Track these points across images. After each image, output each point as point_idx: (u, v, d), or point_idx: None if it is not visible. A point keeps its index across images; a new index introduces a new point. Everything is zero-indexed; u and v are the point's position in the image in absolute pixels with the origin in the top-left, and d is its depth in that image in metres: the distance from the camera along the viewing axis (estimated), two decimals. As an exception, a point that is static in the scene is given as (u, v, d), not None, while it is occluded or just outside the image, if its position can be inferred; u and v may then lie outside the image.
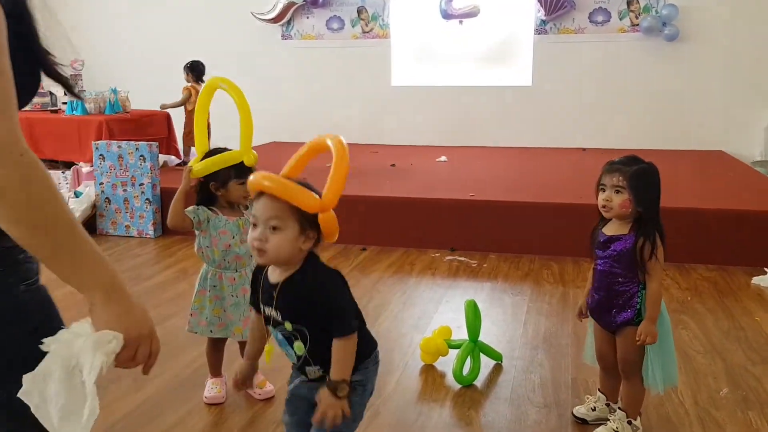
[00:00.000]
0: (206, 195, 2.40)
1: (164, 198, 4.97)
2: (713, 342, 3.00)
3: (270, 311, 1.49)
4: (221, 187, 2.37)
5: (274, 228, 1.40)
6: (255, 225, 1.43)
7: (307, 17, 7.76)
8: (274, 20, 7.74)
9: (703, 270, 4.05)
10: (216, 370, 2.55)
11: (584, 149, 7.03)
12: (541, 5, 7.06)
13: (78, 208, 4.98)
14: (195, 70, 6.17)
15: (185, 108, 6.15)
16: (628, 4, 6.97)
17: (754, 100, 6.85)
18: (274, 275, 1.48)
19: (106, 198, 5.04)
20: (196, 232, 2.40)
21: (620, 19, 7.01)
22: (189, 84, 6.17)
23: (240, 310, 2.40)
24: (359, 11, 7.64)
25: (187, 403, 2.48)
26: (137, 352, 0.96)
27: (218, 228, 2.37)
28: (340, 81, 7.77)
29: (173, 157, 6.39)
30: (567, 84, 7.23)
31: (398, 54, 7.67)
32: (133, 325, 0.95)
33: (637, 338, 2.07)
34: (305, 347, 1.47)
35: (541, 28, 7.22)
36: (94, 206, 5.07)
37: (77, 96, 1.21)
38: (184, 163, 6.14)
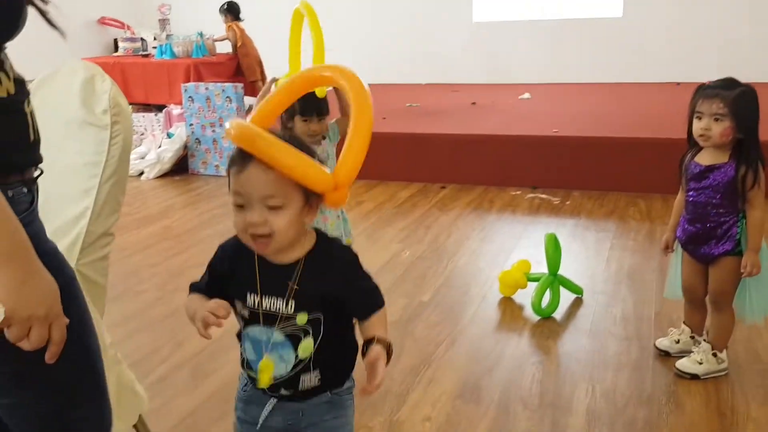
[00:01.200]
0: (285, 127, 2.33)
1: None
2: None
3: (275, 304, 1.15)
4: (289, 119, 2.30)
5: (274, 207, 1.08)
6: (242, 206, 1.09)
7: (387, -46, 7.60)
8: (354, -42, 7.63)
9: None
10: None
11: (678, 84, 6.66)
12: (635, -71, 6.62)
13: (171, 148, 5.21)
14: (232, 11, 6.32)
15: (235, 47, 6.31)
16: None
17: None
18: (281, 256, 1.15)
19: (197, 139, 5.24)
20: None
21: (722, -58, 6.48)
22: (230, 23, 6.31)
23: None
24: (440, -55, 7.41)
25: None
26: (30, 334, 0.85)
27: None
28: (422, 18, 7.62)
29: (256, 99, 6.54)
30: (660, 15, 6.81)
31: (481, -12, 7.43)
32: (23, 302, 0.83)
33: (741, 270, 2.00)
34: (314, 345, 1.16)
35: (633, -45, 6.79)
36: (185, 147, 5.28)
37: (54, 26, 1.04)
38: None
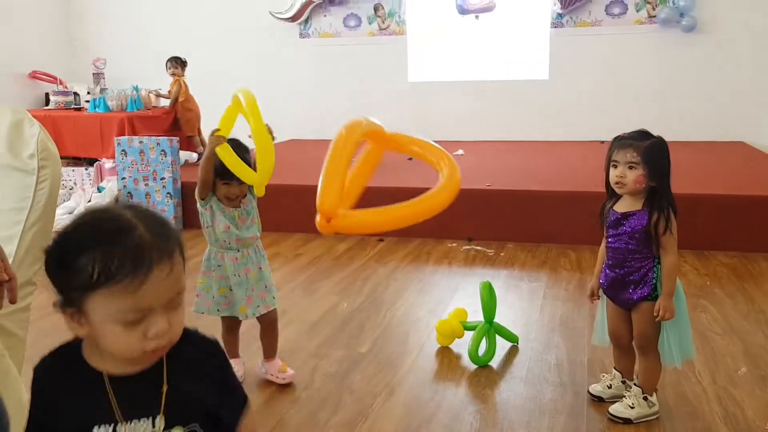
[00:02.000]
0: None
1: (185, 192, 5.04)
2: (732, 324, 2.98)
3: (138, 429, 0.93)
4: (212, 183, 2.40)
5: (176, 305, 0.91)
6: (137, 321, 0.87)
7: (325, 15, 7.81)
8: (292, 19, 7.80)
9: (722, 256, 4.01)
10: (232, 352, 2.58)
11: (602, 142, 6.99)
12: (558, -2, 7.03)
13: (101, 202, 5.07)
14: (181, 64, 6.32)
15: (175, 101, 6.30)
16: (646, -5, 6.91)
17: (776, 90, 6.76)
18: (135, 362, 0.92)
19: (129, 192, 5.13)
20: (201, 211, 2.42)
21: (637, 11, 6.96)
22: (177, 77, 6.30)
23: (243, 289, 2.42)
24: (376, 8, 7.67)
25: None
26: None
27: (219, 209, 2.40)
28: (358, 78, 7.81)
29: (194, 154, 6.48)
30: (584, 77, 7.19)
31: (415, 50, 7.69)
32: None
33: (655, 314, 2.07)
34: None
35: (557, 22, 7.19)
36: (116, 201, 5.15)
37: None
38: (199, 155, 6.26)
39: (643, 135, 2.13)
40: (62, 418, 0.91)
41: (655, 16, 6.90)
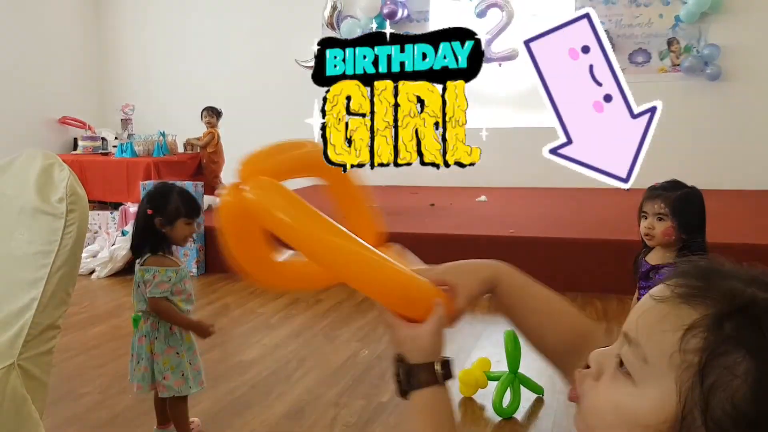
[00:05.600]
0: (153, 233, 2.21)
1: (208, 237, 5.07)
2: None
3: None
4: (167, 223, 2.21)
5: None
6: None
7: (349, 63, 7.95)
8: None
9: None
10: (163, 418, 2.34)
11: (628, 189, 6.94)
12: (580, 47, 7.10)
13: (125, 246, 5.11)
14: (218, 114, 6.45)
15: (204, 150, 6.43)
16: (669, 44, 6.95)
17: (803, 139, 6.70)
18: None
19: (152, 236, 5.17)
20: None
21: (661, 60, 6.99)
22: (210, 128, 6.45)
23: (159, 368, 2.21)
24: (399, 56, 7.80)
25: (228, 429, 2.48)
26: None
27: (183, 278, 2.25)
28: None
29: (218, 199, 6.55)
30: (608, 124, 7.20)
31: (438, 97, 7.77)
32: None
33: None
34: None
35: (580, 70, 7.24)
36: (140, 244, 5.20)
37: None
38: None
39: (674, 185, 2.10)
40: None
41: (679, 65, 6.92)
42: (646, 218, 2.09)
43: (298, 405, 2.65)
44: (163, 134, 6.40)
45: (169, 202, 2.19)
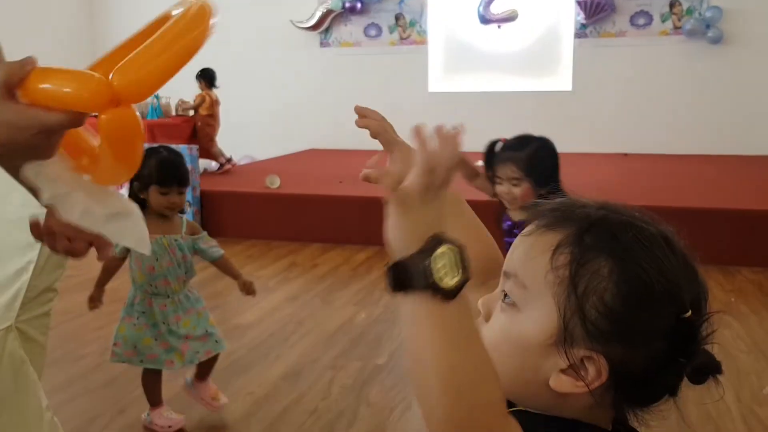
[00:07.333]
0: (133, 197, 2.10)
1: (204, 201, 5.07)
2: (757, 341, 2.92)
3: None
4: (143, 189, 2.10)
5: None
6: None
7: (345, 25, 7.84)
8: (313, 28, 7.84)
9: (747, 272, 3.94)
10: (155, 400, 2.25)
11: (626, 154, 6.93)
12: (581, 8, 7.00)
13: (121, 209, 5.11)
14: (205, 77, 6.33)
15: (198, 113, 6.35)
16: (671, 6, 6.86)
17: (803, 103, 6.66)
18: None
19: (149, 200, 5.16)
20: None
21: (662, 22, 6.91)
22: (202, 91, 6.37)
23: (175, 337, 2.14)
24: (397, 18, 7.69)
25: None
26: None
27: None
28: (378, 88, 7.82)
29: (213, 162, 6.52)
30: (608, 88, 7.14)
31: (435, 60, 7.69)
32: None
33: None
34: None
35: (581, 32, 7.15)
36: (137, 208, 5.19)
37: None
38: (221, 165, 6.30)
39: (522, 142, 2.04)
40: None
41: (680, 28, 6.85)
42: (501, 184, 2.05)
43: (295, 367, 2.68)
44: (156, 97, 6.34)
45: (144, 166, 2.00)
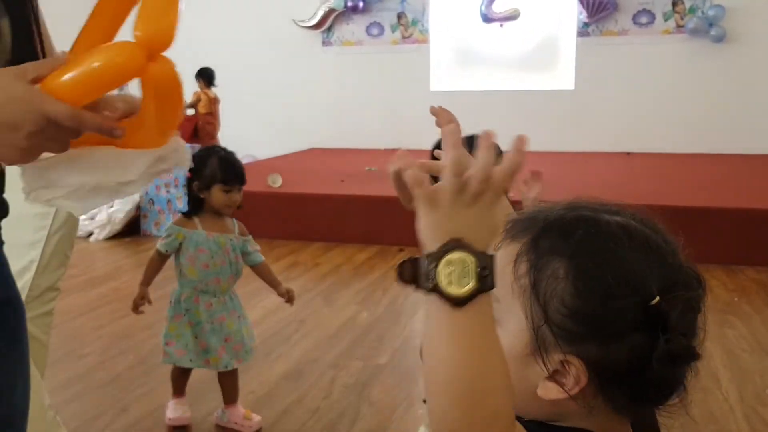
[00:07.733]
0: (193, 196, 2.14)
1: (206, 199, 5.08)
2: (760, 341, 2.91)
3: None
4: (204, 188, 2.11)
5: None
6: None
7: (347, 23, 7.84)
8: (315, 27, 7.84)
9: (751, 271, 3.93)
10: (181, 390, 2.26)
11: (629, 153, 6.91)
12: (583, 7, 6.99)
13: (122, 209, 5.11)
14: (205, 76, 6.41)
15: (196, 110, 6.43)
16: (673, 5, 6.85)
17: (806, 102, 6.65)
18: None
19: (150, 199, 5.16)
20: (165, 250, 2.18)
21: (665, 21, 6.90)
22: (203, 90, 6.45)
23: (216, 338, 2.14)
24: (399, 17, 7.69)
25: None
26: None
27: (197, 245, 2.11)
28: (380, 87, 7.82)
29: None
30: (610, 87, 7.13)
31: (437, 59, 7.68)
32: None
33: None
34: None
35: (583, 31, 7.14)
36: (138, 207, 5.19)
37: None
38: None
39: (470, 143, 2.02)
40: None
41: (683, 26, 6.83)
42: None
43: (297, 366, 2.68)
44: (159, 96, 6.36)
45: (206, 165, 2.08)
